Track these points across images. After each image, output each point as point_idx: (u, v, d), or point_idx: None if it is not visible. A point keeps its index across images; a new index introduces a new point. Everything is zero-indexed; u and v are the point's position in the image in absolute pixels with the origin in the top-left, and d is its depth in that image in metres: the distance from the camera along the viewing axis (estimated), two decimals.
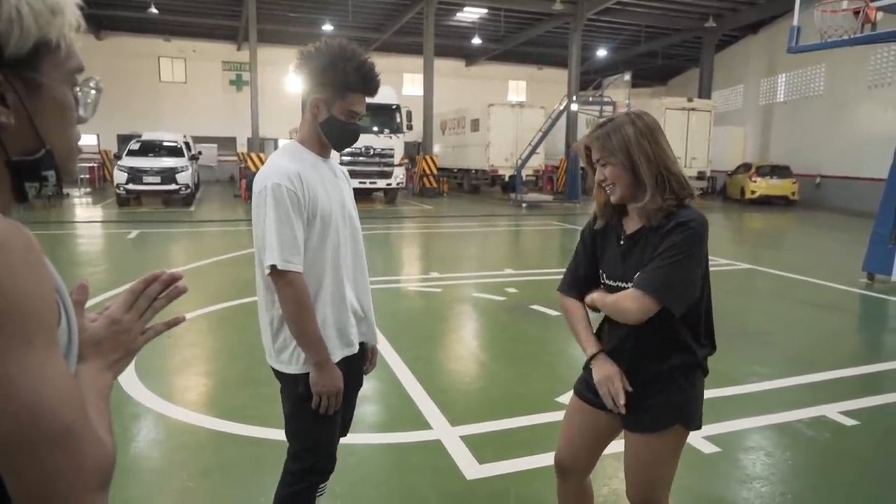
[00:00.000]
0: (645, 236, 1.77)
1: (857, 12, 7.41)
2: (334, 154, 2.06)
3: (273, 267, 1.76)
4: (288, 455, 2.00)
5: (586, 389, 1.96)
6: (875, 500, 2.93)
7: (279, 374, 1.96)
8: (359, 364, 2.11)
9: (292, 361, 1.89)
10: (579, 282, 1.96)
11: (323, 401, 1.87)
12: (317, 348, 1.84)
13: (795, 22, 8.72)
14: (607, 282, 1.87)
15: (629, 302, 1.72)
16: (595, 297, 1.87)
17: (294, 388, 1.91)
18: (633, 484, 1.91)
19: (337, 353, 1.93)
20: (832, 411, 3.79)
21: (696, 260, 1.73)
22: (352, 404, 2.19)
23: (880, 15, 7.35)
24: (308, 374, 1.88)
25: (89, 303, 0.91)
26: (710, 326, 1.87)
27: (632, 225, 1.82)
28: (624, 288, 1.79)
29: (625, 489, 1.99)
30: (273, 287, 1.84)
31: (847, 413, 3.77)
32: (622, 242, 1.83)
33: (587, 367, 1.94)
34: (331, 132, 1.90)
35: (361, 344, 2.07)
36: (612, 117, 1.80)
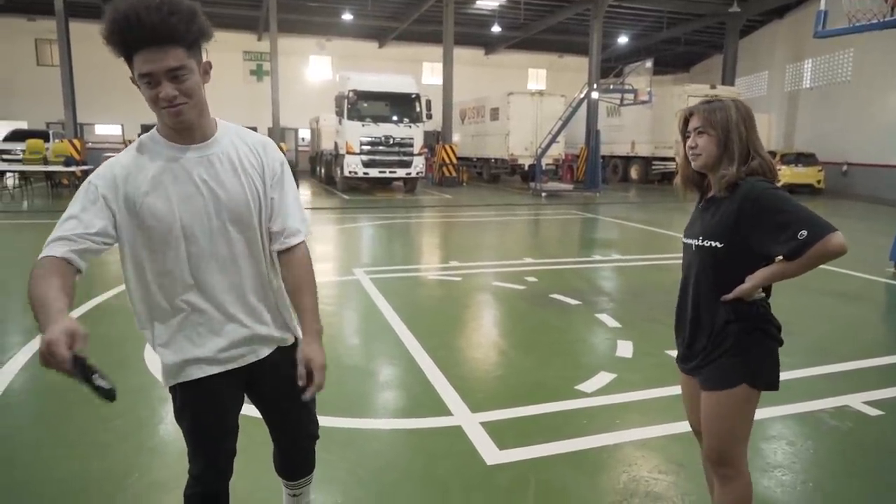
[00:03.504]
0: (716, 203, 1.96)
1: None
2: (226, 138, 1.70)
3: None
4: None
5: (678, 359, 2.16)
6: None
7: None
8: (279, 369, 1.84)
9: (159, 372, 1.79)
10: None
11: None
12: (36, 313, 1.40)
13: (823, 6, 8.52)
14: (684, 240, 2.08)
15: (832, 245, 1.74)
16: (767, 274, 1.87)
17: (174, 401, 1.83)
18: (708, 438, 2.02)
19: (205, 369, 1.74)
20: (856, 401, 3.76)
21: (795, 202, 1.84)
22: (288, 413, 1.98)
23: None
24: (174, 387, 1.77)
25: (121, 287, 0.93)
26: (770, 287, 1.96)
27: (709, 192, 2.02)
28: (689, 244, 2.02)
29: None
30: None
31: (871, 403, 3.73)
32: (701, 205, 2.07)
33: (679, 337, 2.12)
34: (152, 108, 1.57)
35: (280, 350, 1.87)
36: (719, 98, 2.04)
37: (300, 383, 1.70)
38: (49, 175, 17.19)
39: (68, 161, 17.10)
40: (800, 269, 1.82)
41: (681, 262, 2.14)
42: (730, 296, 1.89)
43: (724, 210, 1.90)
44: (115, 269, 7.68)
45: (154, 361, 4.30)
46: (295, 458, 2.11)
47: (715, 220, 1.93)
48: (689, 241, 2.03)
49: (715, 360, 1.96)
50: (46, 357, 1.27)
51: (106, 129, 28.77)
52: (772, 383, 1.96)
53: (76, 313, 5.38)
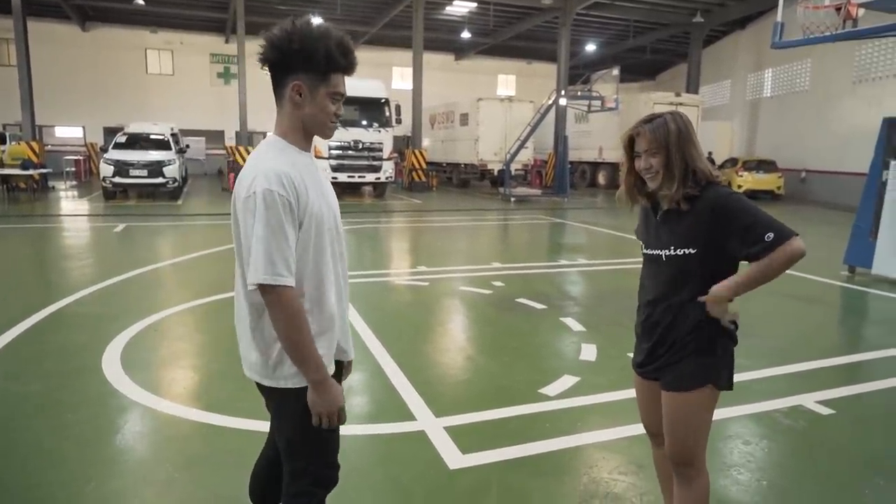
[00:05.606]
0: (676, 213, 1.98)
1: (838, 8, 7.50)
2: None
3: (260, 284, 1.63)
4: (289, 476, 1.87)
5: (637, 363, 2.19)
6: (848, 486, 3.01)
7: (273, 391, 1.80)
8: (338, 375, 2.00)
9: (298, 374, 1.74)
10: None
11: (324, 420, 1.76)
12: (317, 365, 1.71)
13: (779, 18, 8.80)
14: (645, 251, 2.11)
15: (795, 248, 1.82)
16: (740, 279, 1.91)
17: (296, 404, 1.76)
18: (672, 439, 2.07)
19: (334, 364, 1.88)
20: (809, 401, 3.87)
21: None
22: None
23: (861, 11, 7.44)
24: (298, 391, 1.77)
25: (80, 294, 0.92)
26: None
27: (665, 204, 2.03)
28: (658, 255, 2.02)
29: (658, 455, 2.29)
30: (259, 303, 1.72)
31: (823, 402, 3.85)
32: (658, 218, 2.05)
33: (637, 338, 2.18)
34: (317, 119, 1.75)
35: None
36: (658, 114, 2.02)
37: None
38: (5, 179, 16.70)
39: (26, 164, 16.62)
40: (767, 273, 1.85)
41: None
42: (705, 297, 1.94)
43: (693, 218, 1.94)
44: (73, 274, 7.51)
45: (113, 369, 4.21)
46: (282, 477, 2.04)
47: (684, 228, 1.95)
48: (657, 251, 2.04)
49: (679, 361, 2.00)
50: (340, 416, 1.81)
51: (66, 132, 28.06)
52: (730, 383, 2.05)
53: (32, 320, 5.23)
